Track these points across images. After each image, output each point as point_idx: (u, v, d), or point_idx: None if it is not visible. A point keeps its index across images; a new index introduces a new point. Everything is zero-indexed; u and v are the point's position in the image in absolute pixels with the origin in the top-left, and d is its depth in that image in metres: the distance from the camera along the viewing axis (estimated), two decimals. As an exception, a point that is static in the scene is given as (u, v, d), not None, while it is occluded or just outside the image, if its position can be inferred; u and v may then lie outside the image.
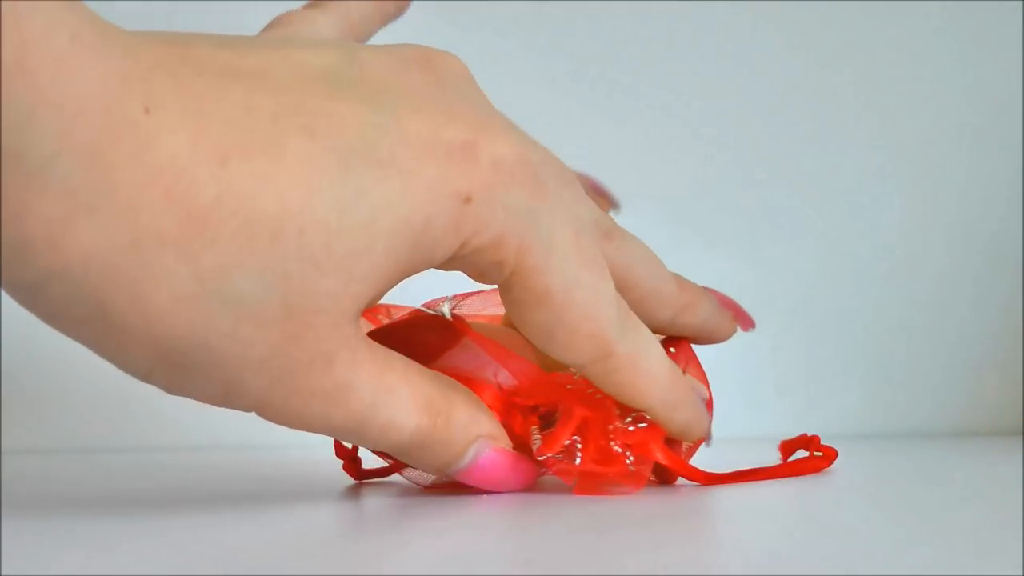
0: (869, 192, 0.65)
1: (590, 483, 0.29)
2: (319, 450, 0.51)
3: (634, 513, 0.26)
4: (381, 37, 0.32)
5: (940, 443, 0.55)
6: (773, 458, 0.36)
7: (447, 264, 0.27)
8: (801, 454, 0.35)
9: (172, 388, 0.24)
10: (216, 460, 0.47)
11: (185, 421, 0.57)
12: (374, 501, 0.31)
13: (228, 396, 0.24)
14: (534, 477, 0.30)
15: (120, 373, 0.24)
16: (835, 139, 0.65)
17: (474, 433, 0.28)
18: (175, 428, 0.57)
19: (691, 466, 0.32)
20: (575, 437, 0.29)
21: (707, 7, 0.63)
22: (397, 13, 0.33)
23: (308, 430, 0.26)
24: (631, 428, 0.30)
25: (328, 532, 0.25)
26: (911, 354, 0.64)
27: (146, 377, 0.24)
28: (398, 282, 0.26)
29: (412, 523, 0.25)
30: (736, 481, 0.32)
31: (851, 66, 0.64)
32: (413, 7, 0.34)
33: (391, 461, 0.33)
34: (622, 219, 0.33)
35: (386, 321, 0.33)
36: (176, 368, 0.23)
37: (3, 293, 0.22)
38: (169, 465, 0.45)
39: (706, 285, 0.35)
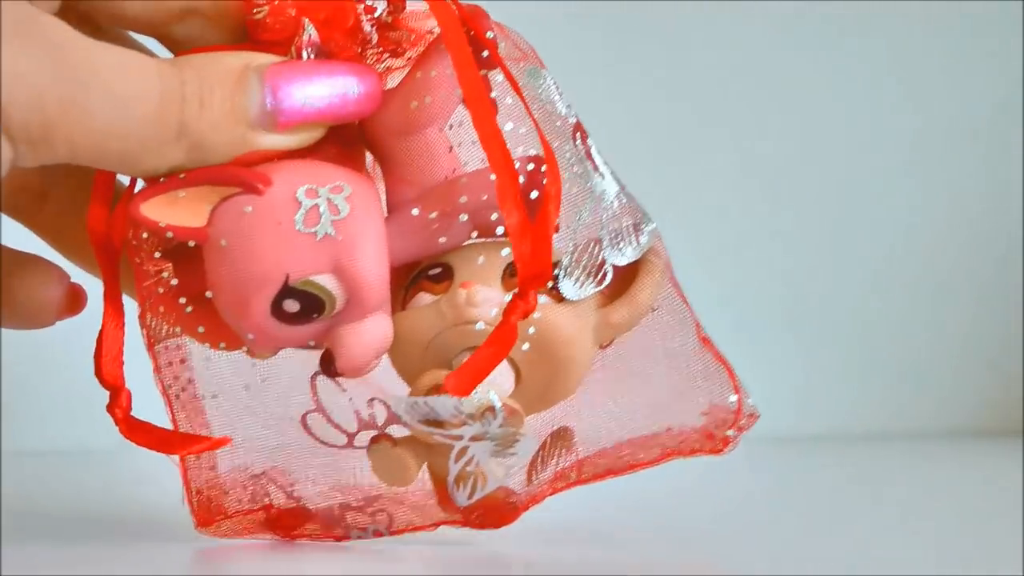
0: (869, 192, 0.64)
1: None
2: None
3: (638, 509, 0.26)
4: None
5: (940, 443, 0.55)
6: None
7: None
8: None
9: None
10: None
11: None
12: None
13: None
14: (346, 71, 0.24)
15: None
16: (834, 139, 0.64)
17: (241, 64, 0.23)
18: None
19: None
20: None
21: (706, 6, 0.63)
22: None
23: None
24: None
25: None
26: (911, 354, 0.64)
27: None
28: None
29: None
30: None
31: (854, 65, 0.64)
32: None
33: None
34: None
35: None
36: None
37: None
38: (170, 466, 0.45)
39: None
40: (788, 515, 0.28)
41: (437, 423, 0.23)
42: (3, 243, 0.27)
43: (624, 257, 0.25)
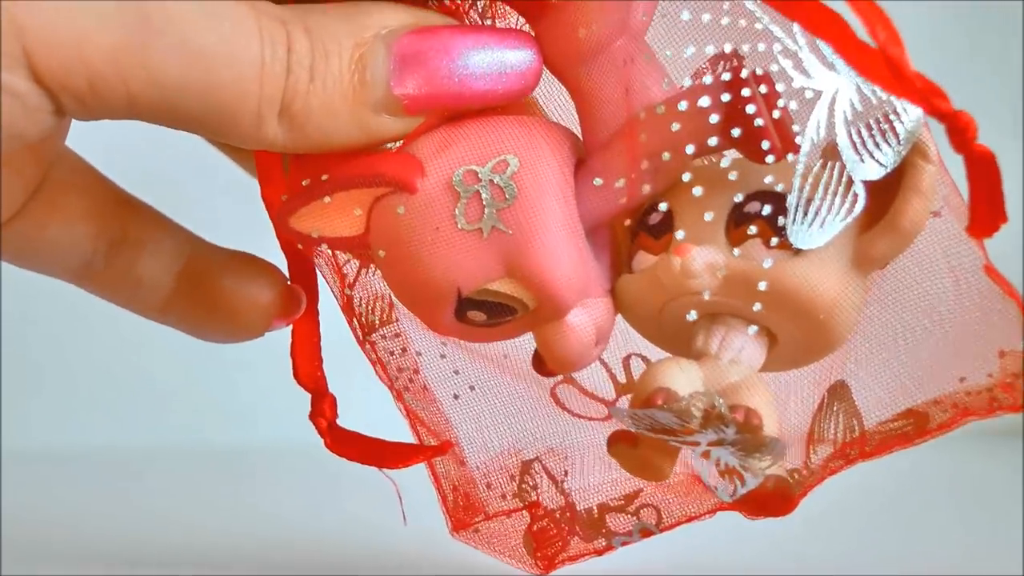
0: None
1: None
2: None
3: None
4: None
5: (940, 443, 0.55)
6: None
7: None
8: None
9: None
10: (213, 463, 0.47)
11: (187, 423, 0.56)
12: (369, 500, 0.31)
13: None
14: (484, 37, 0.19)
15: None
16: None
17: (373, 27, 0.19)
18: (177, 430, 0.56)
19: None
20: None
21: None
22: None
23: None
24: None
25: (327, 532, 0.25)
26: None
27: None
28: None
29: (414, 521, 0.25)
30: None
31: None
32: None
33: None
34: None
35: None
36: None
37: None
38: (171, 466, 0.45)
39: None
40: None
41: (666, 431, 0.19)
42: (215, 243, 0.23)
43: (878, 166, 0.18)
